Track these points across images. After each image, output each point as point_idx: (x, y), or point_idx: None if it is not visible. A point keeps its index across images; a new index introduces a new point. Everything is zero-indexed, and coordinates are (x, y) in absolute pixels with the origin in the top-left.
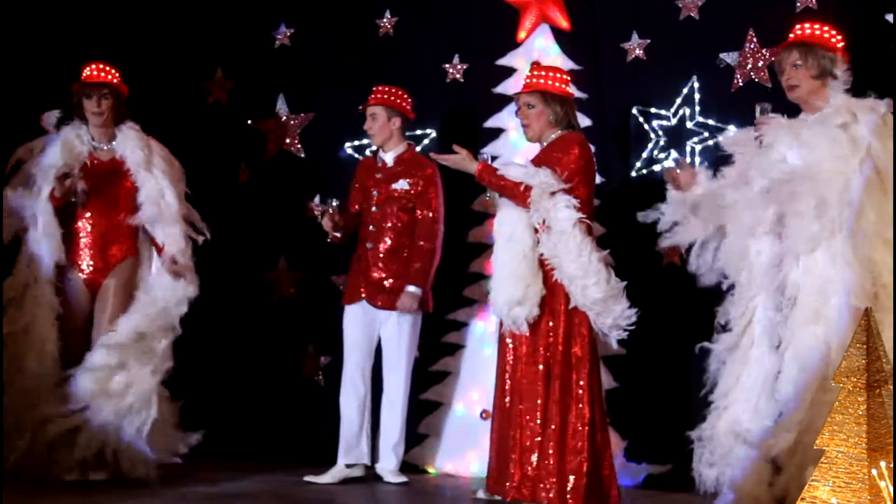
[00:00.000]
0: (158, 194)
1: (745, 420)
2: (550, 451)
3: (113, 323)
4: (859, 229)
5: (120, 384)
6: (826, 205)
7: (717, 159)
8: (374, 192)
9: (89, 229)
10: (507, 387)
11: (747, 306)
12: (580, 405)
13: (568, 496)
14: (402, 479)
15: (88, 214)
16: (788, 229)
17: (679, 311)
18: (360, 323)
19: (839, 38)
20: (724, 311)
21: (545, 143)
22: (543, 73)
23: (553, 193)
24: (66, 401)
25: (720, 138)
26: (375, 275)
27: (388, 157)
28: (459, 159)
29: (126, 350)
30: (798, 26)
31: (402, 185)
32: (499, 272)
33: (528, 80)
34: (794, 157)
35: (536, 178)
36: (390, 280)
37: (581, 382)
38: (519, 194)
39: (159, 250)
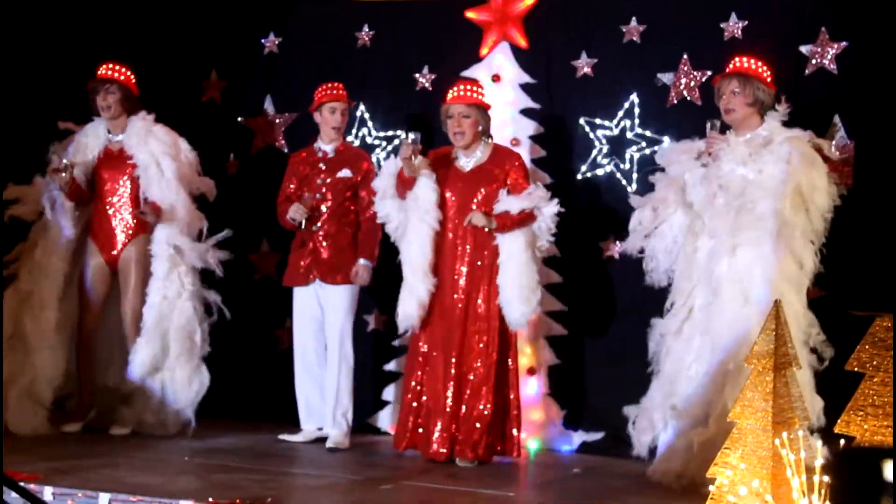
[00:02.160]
0: (151, 163)
1: (691, 401)
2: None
3: (135, 293)
4: (785, 241)
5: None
6: (768, 216)
7: (651, 169)
8: (318, 181)
9: (107, 213)
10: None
11: (689, 294)
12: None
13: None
14: (333, 445)
15: (105, 200)
16: (725, 229)
17: (614, 297)
18: (309, 302)
19: (769, 72)
20: (670, 299)
21: (479, 156)
22: (475, 87)
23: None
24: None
25: (657, 154)
26: (325, 254)
27: (329, 149)
28: (483, 220)
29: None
30: (737, 58)
31: (345, 172)
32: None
33: (461, 94)
34: (746, 171)
35: (534, 199)
36: (335, 257)
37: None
38: (532, 218)
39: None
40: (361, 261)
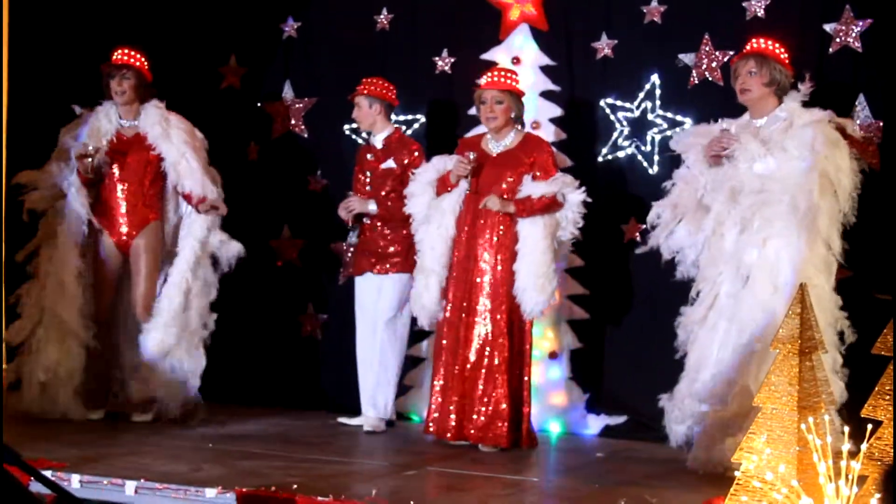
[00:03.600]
0: (180, 157)
1: (712, 384)
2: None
3: (147, 279)
4: (814, 228)
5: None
6: (796, 207)
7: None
8: (368, 173)
9: (118, 197)
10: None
11: (714, 282)
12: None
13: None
14: (372, 428)
15: (117, 185)
16: (753, 223)
17: (635, 281)
18: (368, 291)
19: (787, 54)
20: (696, 288)
21: (508, 142)
22: (508, 74)
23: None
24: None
25: (671, 141)
26: (374, 245)
27: (377, 140)
28: (498, 204)
29: (172, 330)
30: (755, 39)
31: (389, 164)
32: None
33: (496, 80)
34: (764, 166)
35: (559, 185)
36: (384, 247)
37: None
38: (556, 205)
39: (188, 199)
40: (371, 204)
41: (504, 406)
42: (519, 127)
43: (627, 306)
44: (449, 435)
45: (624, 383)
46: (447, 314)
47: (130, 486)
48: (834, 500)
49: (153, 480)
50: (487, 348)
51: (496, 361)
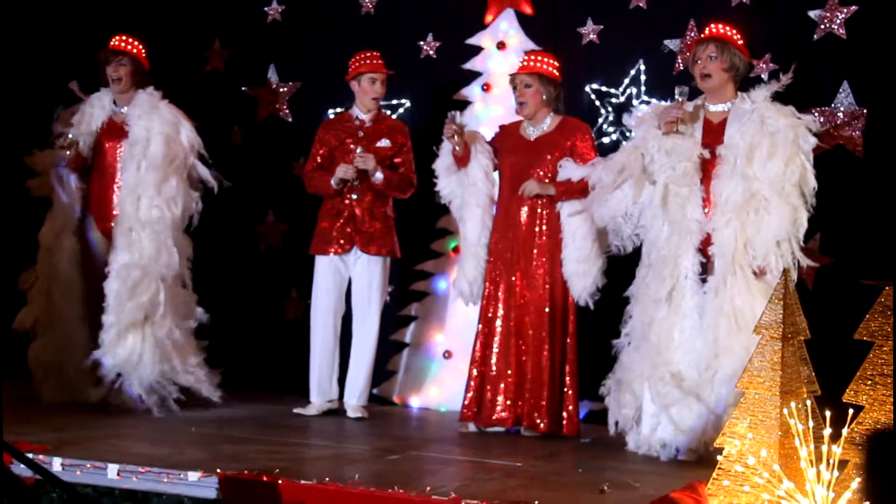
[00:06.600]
0: (142, 140)
1: (684, 364)
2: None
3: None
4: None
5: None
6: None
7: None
8: (359, 149)
9: (103, 183)
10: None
11: (676, 263)
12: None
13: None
14: (360, 414)
15: (103, 170)
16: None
17: (614, 267)
18: (333, 271)
19: (743, 39)
20: (650, 267)
21: (546, 126)
22: (539, 57)
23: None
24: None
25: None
26: (363, 223)
27: (367, 118)
28: (538, 188)
29: (123, 318)
30: (712, 24)
31: (384, 143)
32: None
33: (526, 63)
34: (758, 164)
35: (596, 174)
36: (373, 227)
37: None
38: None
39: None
40: (379, 173)
41: (546, 392)
42: (556, 112)
43: (608, 292)
44: (495, 418)
45: (605, 370)
46: (490, 300)
47: (112, 469)
48: (815, 484)
49: (135, 463)
50: (534, 332)
51: (539, 347)
